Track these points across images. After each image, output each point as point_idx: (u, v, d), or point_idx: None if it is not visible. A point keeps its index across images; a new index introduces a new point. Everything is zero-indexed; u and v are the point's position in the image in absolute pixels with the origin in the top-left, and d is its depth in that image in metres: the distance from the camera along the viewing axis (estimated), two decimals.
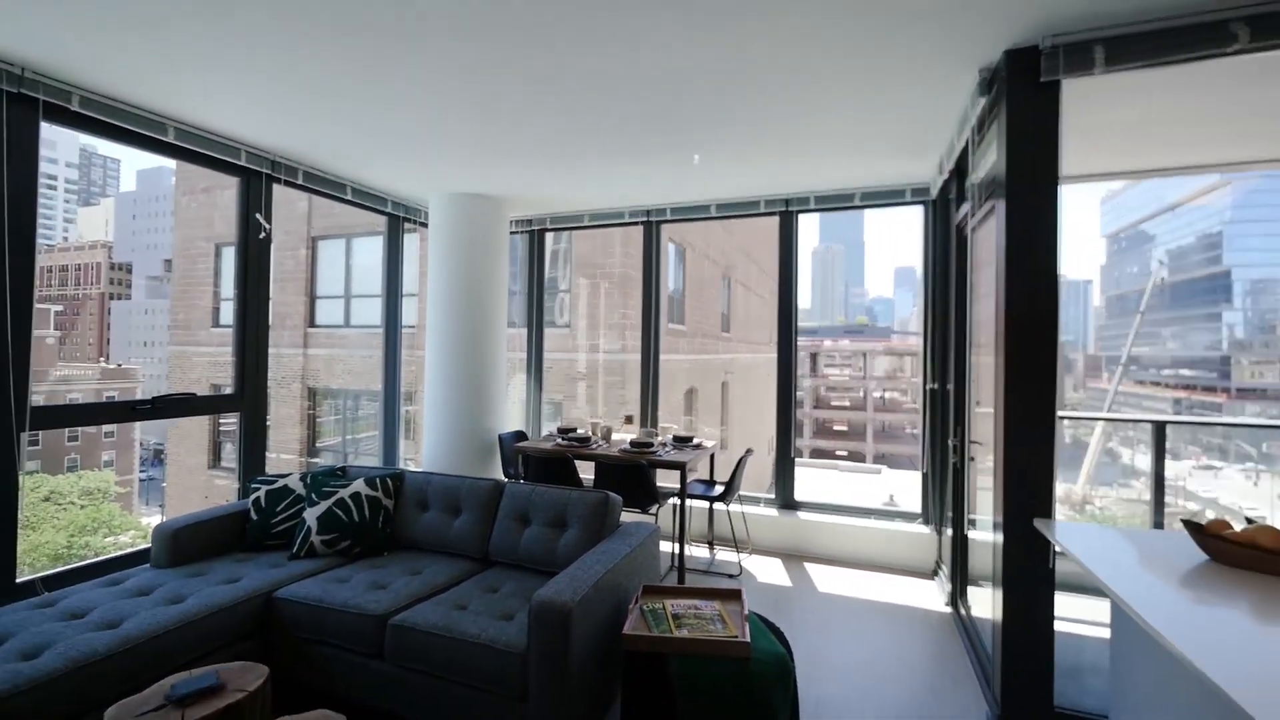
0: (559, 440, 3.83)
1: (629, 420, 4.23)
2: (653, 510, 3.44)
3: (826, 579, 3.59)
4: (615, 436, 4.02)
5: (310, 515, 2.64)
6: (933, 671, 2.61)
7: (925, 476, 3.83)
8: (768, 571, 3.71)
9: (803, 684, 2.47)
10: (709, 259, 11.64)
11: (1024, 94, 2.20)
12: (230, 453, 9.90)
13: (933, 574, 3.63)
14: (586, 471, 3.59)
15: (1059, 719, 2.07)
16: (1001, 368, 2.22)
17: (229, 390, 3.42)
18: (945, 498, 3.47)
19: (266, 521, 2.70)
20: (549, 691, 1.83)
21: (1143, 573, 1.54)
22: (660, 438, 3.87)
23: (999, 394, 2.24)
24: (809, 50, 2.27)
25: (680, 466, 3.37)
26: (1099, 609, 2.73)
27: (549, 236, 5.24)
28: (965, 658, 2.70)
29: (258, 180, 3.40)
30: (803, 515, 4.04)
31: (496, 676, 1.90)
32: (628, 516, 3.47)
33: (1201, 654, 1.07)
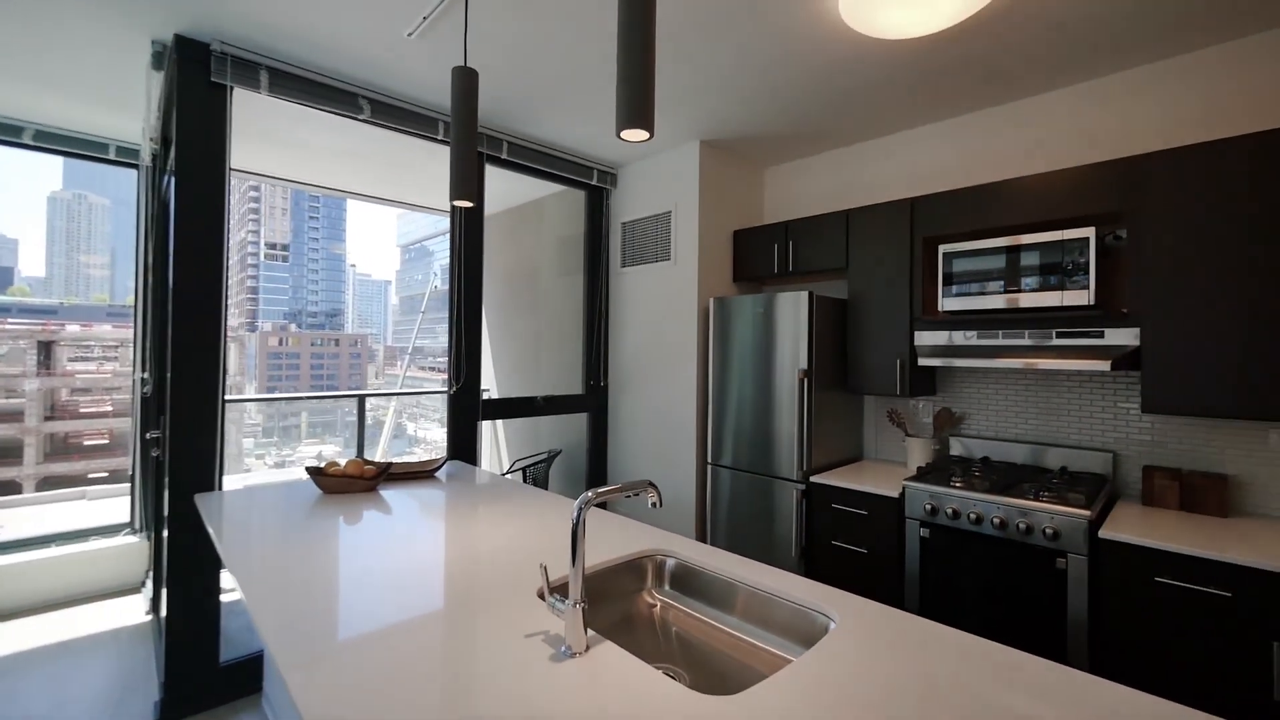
0: None
1: None
2: None
3: None
4: None
5: None
6: (113, 689, 2.33)
7: (133, 478, 3.39)
8: None
9: None
10: None
11: (196, 87, 2.24)
12: None
13: (141, 585, 3.26)
14: None
15: (225, 671, 2.25)
16: (169, 353, 2.20)
17: None
18: (159, 498, 3.18)
19: None
20: None
21: (275, 514, 1.79)
22: None
23: (167, 378, 2.21)
24: None
25: None
26: None
27: None
28: (154, 659, 2.56)
29: None
30: None
31: None
32: None
33: (241, 565, 1.37)
